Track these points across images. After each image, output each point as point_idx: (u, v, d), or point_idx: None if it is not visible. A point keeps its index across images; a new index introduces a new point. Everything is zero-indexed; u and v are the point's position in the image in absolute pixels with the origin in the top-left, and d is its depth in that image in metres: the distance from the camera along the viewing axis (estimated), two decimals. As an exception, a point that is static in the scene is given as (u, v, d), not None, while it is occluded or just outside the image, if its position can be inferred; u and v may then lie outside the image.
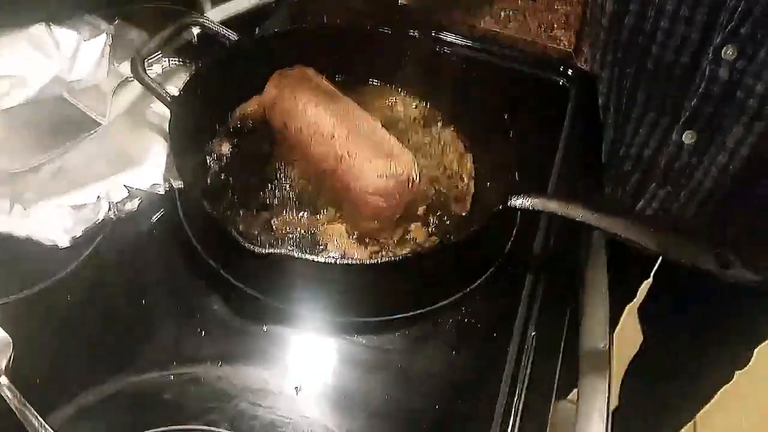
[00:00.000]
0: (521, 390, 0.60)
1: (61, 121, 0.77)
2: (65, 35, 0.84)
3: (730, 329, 0.96)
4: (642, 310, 1.14)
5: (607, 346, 0.79)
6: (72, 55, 0.82)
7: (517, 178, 0.77)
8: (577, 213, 0.63)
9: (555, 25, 0.98)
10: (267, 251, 0.59)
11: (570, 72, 0.91)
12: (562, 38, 0.96)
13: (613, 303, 0.77)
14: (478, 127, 0.78)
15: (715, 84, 0.69)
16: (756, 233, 0.75)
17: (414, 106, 0.84)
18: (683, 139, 0.75)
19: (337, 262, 0.63)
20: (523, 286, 0.68)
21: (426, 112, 0.83)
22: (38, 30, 0.83)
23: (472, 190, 0.75)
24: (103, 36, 0.84)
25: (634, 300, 1.15)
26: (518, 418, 0.58)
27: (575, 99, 0.89)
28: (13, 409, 0.53)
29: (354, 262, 0.64)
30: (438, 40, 0.94)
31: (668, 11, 0.69)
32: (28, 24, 0.82)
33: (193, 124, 0.72)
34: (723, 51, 0.67)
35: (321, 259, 0.61)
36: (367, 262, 0.64)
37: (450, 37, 0.96)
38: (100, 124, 0.76)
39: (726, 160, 0.73)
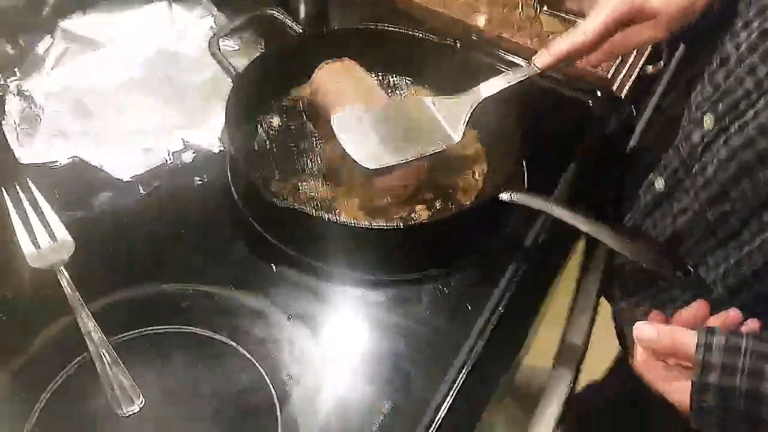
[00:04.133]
0: (476, 357, 0.69)
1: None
2: (181, 13, 1.01)
3: None
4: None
5: (585, 344, 0.86)
6: (182, 30, 0.99)
7: (525, 186, 0.86)
8: (558, 211, 0.71)
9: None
10: (283, 204, 0.71)
11: (599, 94, 0.98)
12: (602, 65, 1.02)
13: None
14: (499, 134, 0.87)
15: None
16: None
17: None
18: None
19: (339, 222, 0.74)
20: (504, 273, 0.76)
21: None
22: (161, 6, 1.01)
23: (480, 186, 0.85)
24: (210, 19, 1.01)
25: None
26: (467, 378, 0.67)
27: (600, 122, 0.96)
28: (65, 291, 0.68)
29: (352, 223, 0.75)
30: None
31: None
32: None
33: (251, 97, 0.86)
34: None
35: (326, 217, 0.73)
36: (363, 225, 0.75)
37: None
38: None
39: None
